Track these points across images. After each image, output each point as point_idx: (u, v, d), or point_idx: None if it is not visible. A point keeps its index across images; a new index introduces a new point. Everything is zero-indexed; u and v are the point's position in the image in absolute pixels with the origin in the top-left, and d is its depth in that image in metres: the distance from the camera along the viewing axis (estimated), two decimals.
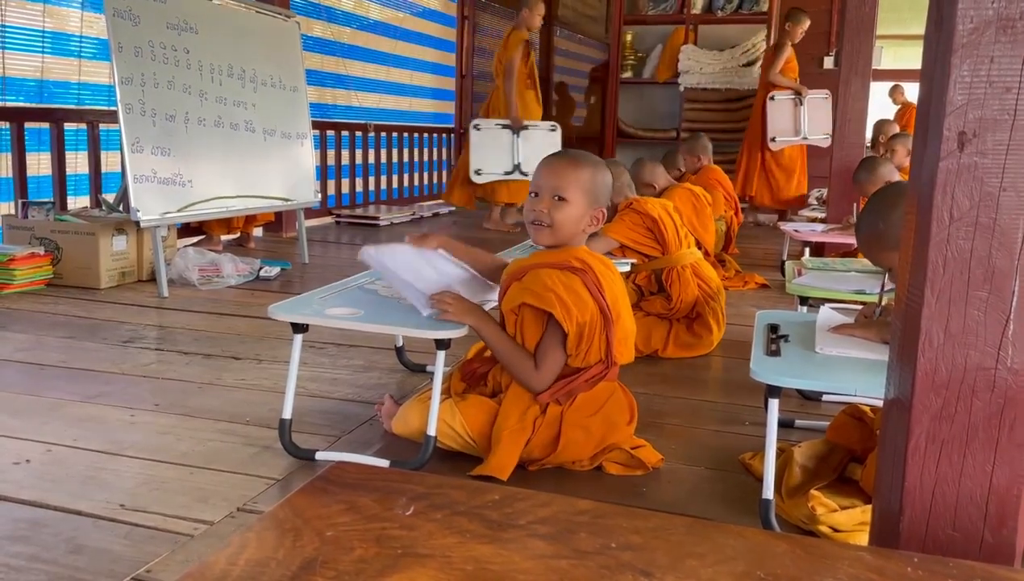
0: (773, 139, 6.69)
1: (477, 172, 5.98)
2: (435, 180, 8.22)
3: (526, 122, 6.00)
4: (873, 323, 1.77)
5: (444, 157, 8.38)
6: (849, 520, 1.56)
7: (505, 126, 6.00)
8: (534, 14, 5.97)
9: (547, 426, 1.84)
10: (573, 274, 1.82)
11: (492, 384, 2.00)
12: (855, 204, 4.48)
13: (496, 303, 2.04)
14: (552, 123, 6.15)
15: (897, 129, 6.19)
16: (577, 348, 1.82)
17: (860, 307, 2.01)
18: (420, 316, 1.93)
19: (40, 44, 4.18)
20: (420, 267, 2.00)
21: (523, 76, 6.08)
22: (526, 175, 6.00)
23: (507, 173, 6.02)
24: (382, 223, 6.38)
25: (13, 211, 4.00)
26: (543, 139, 5.94)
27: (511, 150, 5.97)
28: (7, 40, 4.03)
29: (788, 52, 6.59)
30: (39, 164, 4.21)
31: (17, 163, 4.05)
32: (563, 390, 1.84)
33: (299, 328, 1.91)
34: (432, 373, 1.91)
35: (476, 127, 6.08)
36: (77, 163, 4.38)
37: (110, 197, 4.32)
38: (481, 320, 1.87)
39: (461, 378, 2.05)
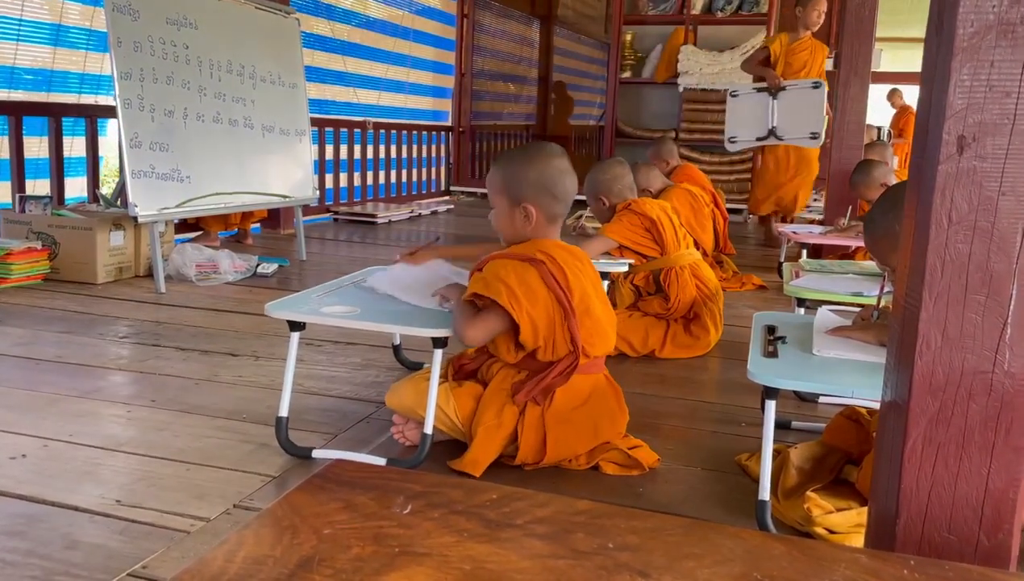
0: None
1: (731, 140, 5.50)
2: (433, 177, 8.22)
3: (784, 82, 5.34)
4: (871, 325, 1.77)
5: (442, 154, 8.39)
6: (845, 522, 1.57)
7: (761, 89, 5.43)
8: (808, 11, 5.39)
9: (531, 429, 1.84)
10: (531, 265, 1.83)
11: (482, 377, 2.00)
12: (849, 207, 4.49)
13: None
14: (815, 80, 5.32)
15: (875, 135, 6.17)
16: (535, 340, 1.83)
17: (858, 309, 2.02)
18: (416, 314, 1.93)
19: (16, 32, 4.17)
20: (421, 280, 2.10)
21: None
22: (781, 139, 5.42)
23: (760, 139, 5.47)
24: (380, 221, 6.37)
25: (10, 202, 4.00)
26: (803, 98, 5.28)
27: (767, 114, 5.39)
28: None
29: None
30: (38, 148, 4.22)
31: (15, 157, 4.05)
32: (538, 387, 1.84)
33: (296, 326, 1.91)
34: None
35: (733, 93, 5.54)
36: (72, 148, 4.39)
37: (110, 173, 4.31)
38: (457, 296, 1.93)
39: (453, 375, 2.05)
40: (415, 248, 2.29)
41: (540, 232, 1.93)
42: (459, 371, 2.04)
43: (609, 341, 1.94)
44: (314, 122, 5.31)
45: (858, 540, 1.51)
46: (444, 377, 2.00)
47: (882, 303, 1.92)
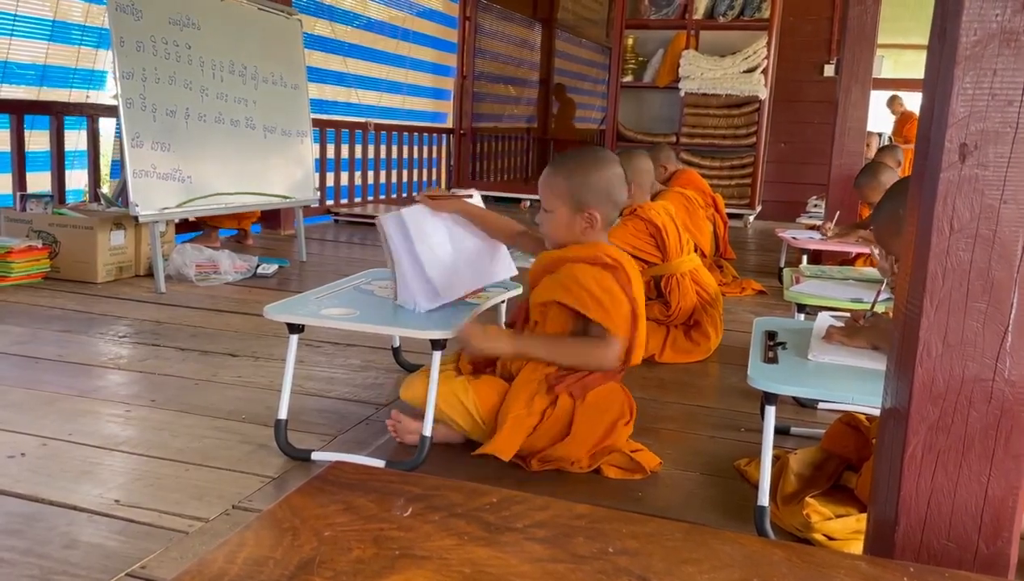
0: None
1: None
2: (433, 178, 8.24)
3: None
4: (861, 329, 1.76)
5: (443, 156, 8.40)
6: (844, 528, 1.57)
7: None
8: None
9: (557, 420, 1.84)
10: (605, 270, 1.84)
11: (501, 370, 2.00)
12: (836, 212, 4.49)
13: (503, 277, 2.14)
14: None
15: (875, 142, 6.12)
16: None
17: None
18: (415, 316, 1.93)
19: (10, 27, 4.17)
20: (431, 241, 2.02)
21: None
22: None
23: None
24: None
25: (11, 197, 4.01)
26: None
27: None
28: None
29: None
30: (32, 141, 4.23)
31: (16, 156, 4.05)
32: (578, 383, 1.86)
33: (295, 328, 1.91)
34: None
35: None
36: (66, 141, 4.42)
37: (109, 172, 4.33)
38: (516, 341, 1.90)
39: (469, 360, 2.05)
40: (436, 192, 2.14)
41: (599, 237, 1.94)
42: (475, 359, 2.03)
43: (642, 353, 1.95)
44: (315, 123, 5.31)
45: (857, 547, 1.51)
46: (459, 371, 2.01)
47: (883, 308, 1.92)
